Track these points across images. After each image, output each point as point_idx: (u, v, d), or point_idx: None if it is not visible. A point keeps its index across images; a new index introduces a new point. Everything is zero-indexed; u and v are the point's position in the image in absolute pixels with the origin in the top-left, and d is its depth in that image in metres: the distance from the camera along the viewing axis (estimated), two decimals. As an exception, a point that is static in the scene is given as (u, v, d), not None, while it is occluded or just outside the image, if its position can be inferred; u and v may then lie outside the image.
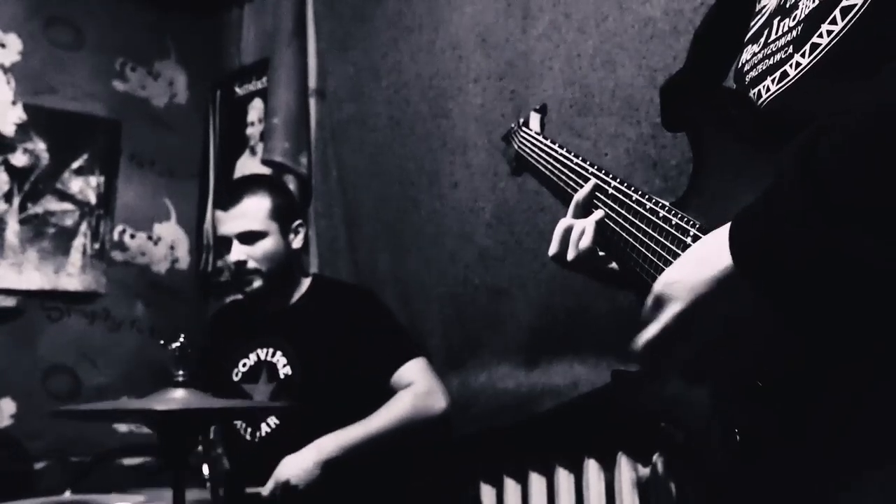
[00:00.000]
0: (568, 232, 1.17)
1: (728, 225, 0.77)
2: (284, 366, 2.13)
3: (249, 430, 2.14)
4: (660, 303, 0.82)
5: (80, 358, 3.27)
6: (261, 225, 2.14)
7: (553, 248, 1.19)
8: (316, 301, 2.21)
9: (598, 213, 1.14)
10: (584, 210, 1.18)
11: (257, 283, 2.15)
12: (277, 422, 2.11)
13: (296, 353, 2.14)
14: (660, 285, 0.83)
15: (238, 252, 2.13)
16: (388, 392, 2.08)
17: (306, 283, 2.26)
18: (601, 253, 1.15)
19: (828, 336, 0.72)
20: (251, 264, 2.14)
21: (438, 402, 2.06)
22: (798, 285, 0.69)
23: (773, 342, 0.76)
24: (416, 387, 2.06)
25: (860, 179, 0.66)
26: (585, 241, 1.14)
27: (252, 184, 2.25)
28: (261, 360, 2.17)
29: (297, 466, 1.93)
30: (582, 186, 1.20)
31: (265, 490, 1.92)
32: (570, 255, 1.16)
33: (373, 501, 2.12)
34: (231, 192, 2.23)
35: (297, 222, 2.24)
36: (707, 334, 0.79)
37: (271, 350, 2.17)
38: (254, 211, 2.15)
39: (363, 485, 2.07)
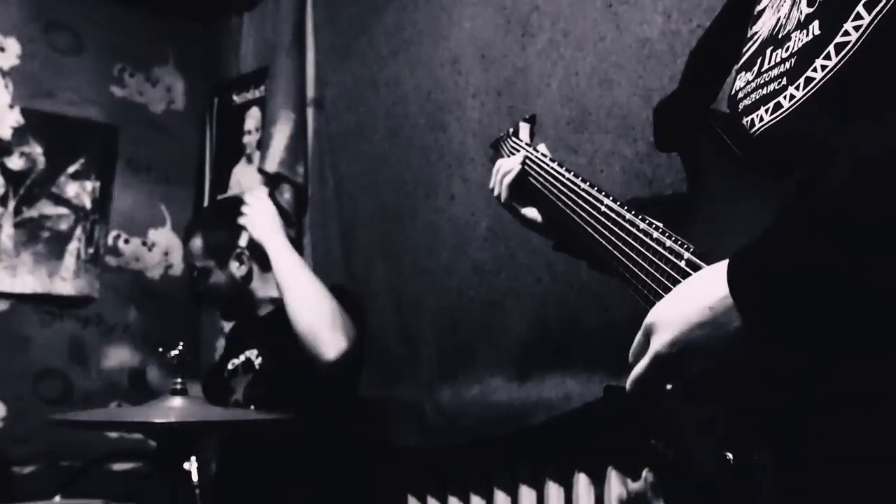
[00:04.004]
0: (497, 171, 1.50)
1: (724, 261, 0.77)
2: (257, 356, 2.29)
3: None
4: (649, 332, 0.84)
5: (72, 362, 3.26)
6: (201, 263, 2.37)
7: (490, 184, 1.55)
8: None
9: (521, 155, 1.46)
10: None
11: (216, 310, 2.44)
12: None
13: (266, 350, 2.29)
14: (650, 317, 0.84)
15: (196, 284, 2.40)
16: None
17: None
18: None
19: (824, 363, 0.73)
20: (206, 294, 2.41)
21: (344, 336, 2.09)
22: (797, 315, 0.70)
23: (765, 373, 0.77)
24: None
25: (862, 217, 0.67)
26: (509, 178, 1.47)
27: (194, 225, 2.50)
28: (246, 359, 2.33)
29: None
30: (572, 200, 1.22)
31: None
32: (496, 191, 1.52)
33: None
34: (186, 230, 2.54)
35: (237, 252, 2.34)
36: (700, 363, 0.79)
37: (250, 349, 2.33)
38: (194, 252, 2.39)
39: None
